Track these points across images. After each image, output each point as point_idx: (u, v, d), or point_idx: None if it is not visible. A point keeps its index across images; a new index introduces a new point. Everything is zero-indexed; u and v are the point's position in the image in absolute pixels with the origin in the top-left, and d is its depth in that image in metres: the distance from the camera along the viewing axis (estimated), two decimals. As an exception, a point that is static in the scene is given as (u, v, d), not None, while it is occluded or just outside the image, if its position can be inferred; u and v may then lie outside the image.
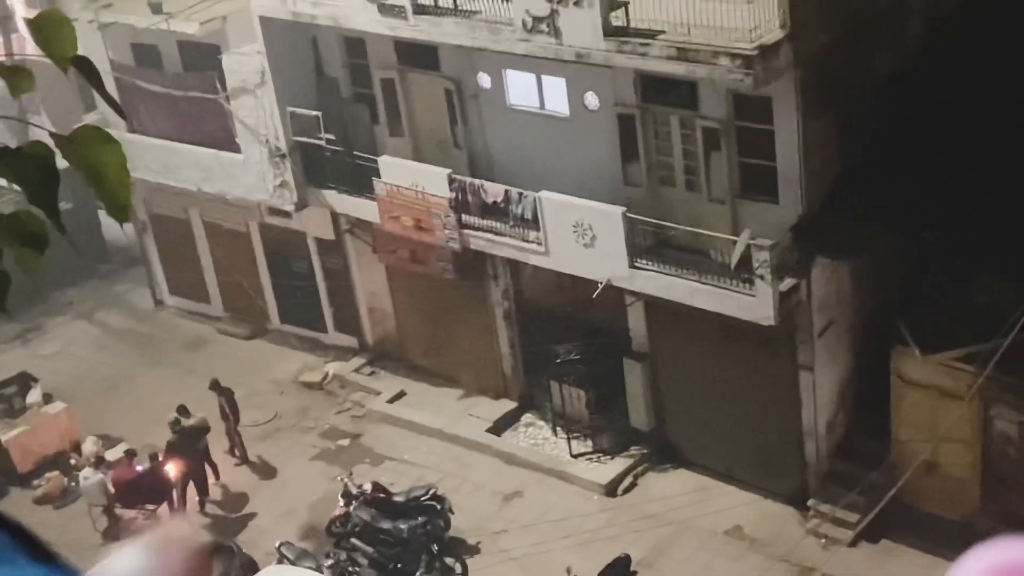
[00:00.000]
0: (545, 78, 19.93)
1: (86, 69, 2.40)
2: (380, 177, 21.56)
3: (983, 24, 18.57)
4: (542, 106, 20.31)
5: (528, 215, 20.02)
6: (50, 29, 2.33)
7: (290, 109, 22.39)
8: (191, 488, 21.72)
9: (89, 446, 22.60)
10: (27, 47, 25.47)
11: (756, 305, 17.83)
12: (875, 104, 18.34)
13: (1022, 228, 17.02)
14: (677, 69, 17.16)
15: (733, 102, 17.94)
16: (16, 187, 2.34)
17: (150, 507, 21.58)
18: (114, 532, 21.43)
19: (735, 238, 17.98)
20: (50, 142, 2.37)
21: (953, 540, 18.14)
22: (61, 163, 2.39)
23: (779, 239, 17.65)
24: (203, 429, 21.97)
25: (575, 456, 21.70)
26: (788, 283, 17.92)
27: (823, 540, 19.17)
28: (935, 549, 18.27)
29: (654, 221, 18.89)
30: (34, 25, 2.34)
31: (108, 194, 2.38)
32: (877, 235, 17.90)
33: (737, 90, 17.43)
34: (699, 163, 18.73)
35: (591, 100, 19.50)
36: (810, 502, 19.62)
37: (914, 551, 18.52)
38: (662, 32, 17.20)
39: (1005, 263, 17.08)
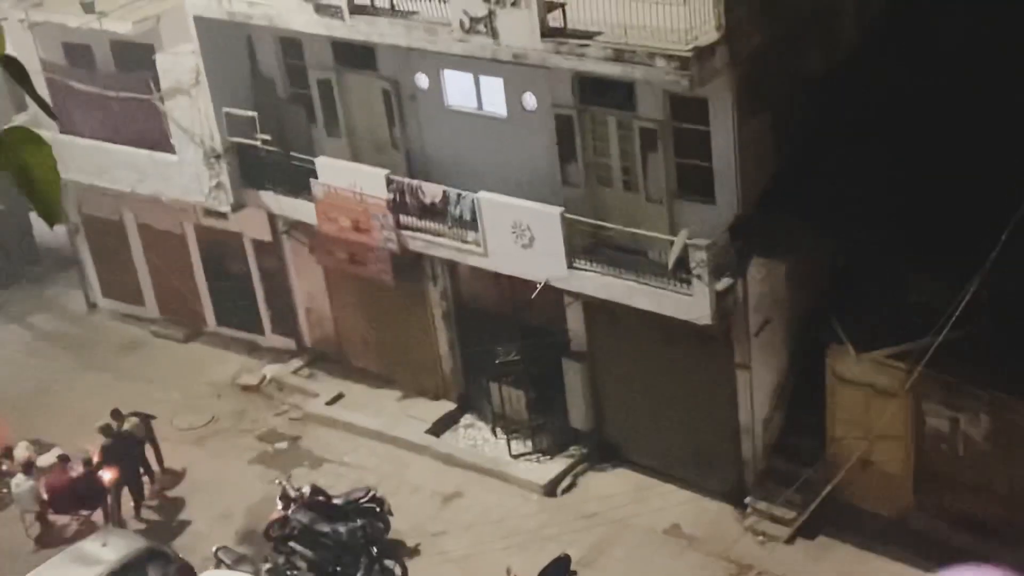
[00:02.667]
0: (483, 78, 19.94)
1: (15, 69, 2.36)
2: (317, 178, 21.44)
3: (911, 25, 18.87)
4: (480, 106, 20.31)
5: (467, 216, 20.01)
6: (-23, 29, 2.29)
7: (226, 110, 22.19)
8: (126, 493, 21.44)
9: (21, 451, 22.22)
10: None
11: (693, 304, 17.97)
12: (809, 105, 18.56)
13: (953, 228, 17.31)
14: (614, 70, 17.24)
15: (670, 103, 18.06)
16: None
17: (84, 512, 21.28)
18: (47, 539, 21.11)
19: (672, 238, 18.10)
20: (-23, 143, 2.32)
21: (888, 536, 18.45)
22: (-11, 164, 2.34)
23: (716, 239, 17.79)
24: (138, 433, 21.70)
25: (515, 456, 21.73)
26: (725, 283, 18.07)
27: (760, 537, 19.36)
28: (870, 545, 18.53)
29: (592, 221, 18.97)
30: (-39, 24, 2.29)
31: (38, 195, 2.34)
32: (812, 235, 18.10)
33: (673, 91, 17.55)
34: (636, 163, 18.84)
35: (529, 100, 19.53)
36: (747, 500, 19.80)
37: (850, 547, 18.77)
38: (599, 33, 17.27)
39: (937, 262, 17.36)
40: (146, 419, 22.19)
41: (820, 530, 19.09)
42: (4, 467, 22.49)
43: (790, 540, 19.14)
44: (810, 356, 18.98)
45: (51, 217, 2.38)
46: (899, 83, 18.33)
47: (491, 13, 17.83)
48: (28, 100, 24.48)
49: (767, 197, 18.25)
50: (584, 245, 19.15)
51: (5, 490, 22.02)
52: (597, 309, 20.01)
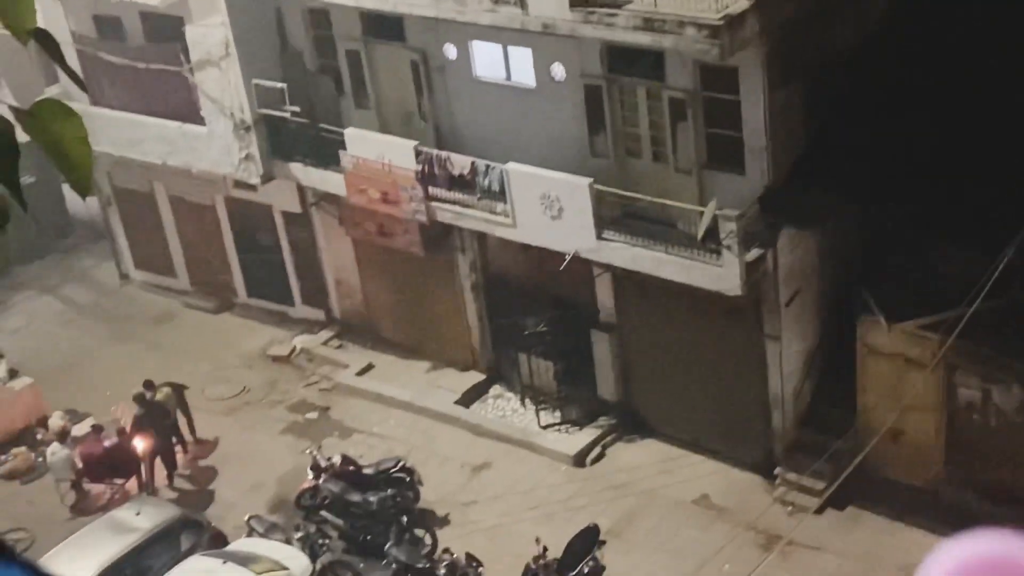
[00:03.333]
0: (511, 49, 19.87)
1: (46, 42, 2.37)
2: (346, 150, 21.46)
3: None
4: (508, 77, 20.25)
5: (495, 187, 20.00)
6: (9, 1, 2.31)
7: (255, 81, 22.22)
8: (159, 462, 21.65)
9: (56, 421, 22.49)
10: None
11: (723, 275, 17.91)
12: (840, 75, 18.40)
13: (985, 198, 17.17)
14: (643, 39, 17.15)
15: (699, 73, 17.95)
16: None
17: (118, 481, 21.52)
18: (82, 507, 21.36)
19: (702, 209, 18.03)
20: (10, 116, 2.34)
21: (918, 506, 18.41)
22: (23, 137, 2.36)
23: (745, 210, 17.71)
24: (170, 403, 21.90)
25: (543, 427, 21.78)
26: (754, 253, 18.00)
27: (790, 508, 19.36)
28: (900, 515, 18.50)
29: (621, 192, 18.91)
30: (-8, -3, 2.31)
31: (69, 168, 2.36)
32: (843, 205, 18.00)
33: (703, 60, 17.44)
34: (666, 134, 18.75)
35: (557, 71, 19.46)
36: (777, 470, 19.79)
37: (880, 517, 18.75)
38: (628, 2, 17.17)
39: (969, 233, 17.23)
40: (178, 389, 22.37)
41: (850, 501, 19.07)
42: (39, 436, 22.77)
43: (819, 511, 19.12)
44: (841, 327, 18.91)
45: (83, 189, 2.40)
46: (931, 54, 18.14)
47: (520, -17, 17.74)
48: (59, 72, 24.64)
49: (798, 168, 18.14)
50: (613, 216, 19.11)
51: (41, 459, 22.29)
52: (626, 280, 19.99)
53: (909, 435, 18.57)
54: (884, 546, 18.22)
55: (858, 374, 18.74)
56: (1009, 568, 1.06)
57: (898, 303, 18.11)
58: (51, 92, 25.76)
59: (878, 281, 18.63)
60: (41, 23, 2.39)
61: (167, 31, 23.38)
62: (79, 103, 22.66)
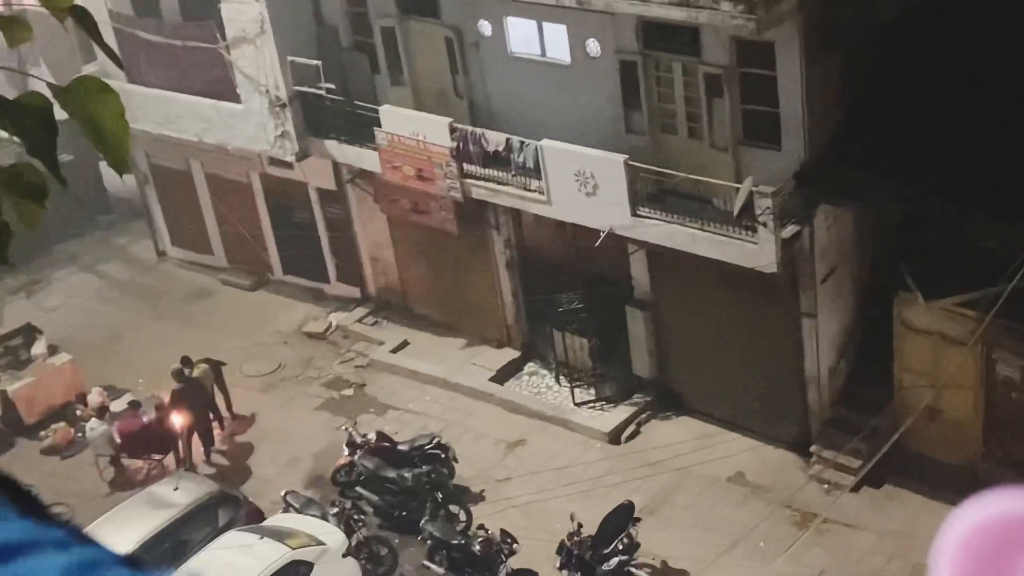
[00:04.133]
0: (546, 25, 19.79)
1: (84, 20, 2.38)
2: (381, 127, 21.47)
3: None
4: (543, 53, 20.18)
5: (530, 164, 19.96)
6: (46, -21, 2.31)
7: (290, 58, 22.26)
8: (196, 438, 21.83)
9: (94, 397, 22.71)
10: (24, -3, 25.27)
11: (758, 252, 17.82)
12: (878, 49, 18.22)
13: (1025, 173, 16.97)
14: (679, 15, 17.03)
15: (735, 48, 17.82)
16: (16, 139, 2.33)
17: (156, 457, 21.72)
18: (121, 482, 21.59)
19: (737, 185, 17.93)
20: (48, 93, 2.35)
21: (955, 485, 18.28)
22: (61, 115, 2.37)
23: (782, 186, 17.60)
24: (207, 379, 22.05)
25: (578, 404, 21.79)
26: (790, 230, 17.89)
27: (826, 486, 19.29)
28: (937, 494, 18.39)
29: (656, 169, 18.83)
30: (30, -25, 2.32)
31: (107, 145, 2.37)
32: (880, 181, 17.84)
33: (739, 35, 17.31)
34: (701, 110, 18.64)
35: (592, 47, 19.37)
36: (812, 448, 19.73)
37: (916, 496, 18.65)
38: (664, -22, 17.04)
39: (1008, 208, 17.04)
40: (216, 366, 22.52)
41: (886, 479, 18.99)
42: (79, 412, 23.00)
43: (855, 489, 19.06)
44: (878, 304, 18.78)
45: (120, 166, 2.41)
46: (971, 26, 17.91)
47: (554, -42, 17.66)
48: (96, 51, 24.75)
49: (834, 143, 17.99)
50: (648, 193, 19.04)
51: (80, 435, 22.53)
52: (661, 257, 19.93)
53: (947, 413, 18.44)
54: (920, 524, 18.13)
55: (895, 352, 18.62)
56: None
57: (936, 279, 17.96)
58: (88, 70, 25.91)
59: (916, 257, 18.47)
60: (79, 1, 2.39)
61: (203, 9, 23.43)
62: (116, 81, 22.77)
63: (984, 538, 0.91)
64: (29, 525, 1.10)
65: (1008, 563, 1.07)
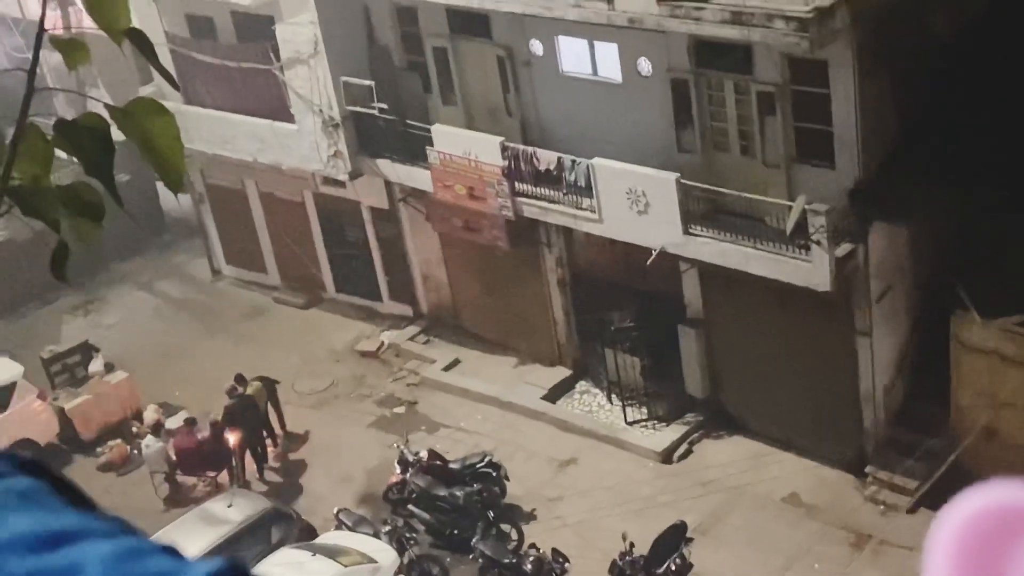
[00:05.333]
0: (598, 44, 19.81)
1: (140, 41, 2.42)
2: (433, 146, 21.58)
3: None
4: (595, 72, 20.20)
5: (581, 182, 19.97)
6: (104, 2, 2.35)
7: (343, 79, 22.44)
8: (249, 455, 21.99)
9: (150, 414, 22.95)
10: (84, 20, 25.70)
11: (812, 271, 17.69)
12: (932, 65, 18.06)
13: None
14: (731, 33, 16.98)
15: (788, 65, 17.74)
16: (73, 159, 2.37)
17: (211, 474, 21.90)
18: (176, 499, 21.77)
19: (790, 203, 17.82)
20: (105, 114, 2.39)
21: (1013, 507, 17.96)
22: (117, 135, 2.41)
23: (835, 204, 17.47)
24: (260, 397, 22.21)
25: (630, 423, 21.71)
26: (844, 248, 17.75)
27: (881, 507, 19.06)
28: (995, 516, 18.08)
29: (708, 187, 18.77)
30: (88, -2, 2.36)
31: (162, 165, 2.40)
32: (935, 198, 17.66)
33: (792, 53, 17.23)
34: (754, 128, 18.56)
35: (644, 66, 19.36)
36: (868, 469, 19.50)
37: (974, 518, 18.34)
38: (716, -5, 17.01)
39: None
40: (270, 384, 22.69)
41: (943, 500, 18.44)
42: (135, 429, 23.25)
43: (912, 510, 18.81)
44: (934, 322, 18.56)
45: (175, 186, 2.44)
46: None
47: (606, -23, 17.69)
48: (153, 72, 25.11)
49: (889, 160, 17.84)
50: (700, 211, 18.97)
51: (136, 452, 22.77)
52: (713, 275, 19.83)
53: (1005, 433, 18.16)
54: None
55: (952, 371, 18.38)
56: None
57: (993, 298, 17.72)
58: (145, 91, 26.25)
59: (972, 275, 18.24)
60: (136, 24, 2.43)
61: (257, 30, 23.71)
62: (172, 102, 23.09)
63: (979, 529, 0.90)
64: (77, 515, 1.16)
65: (1004, 554, 1.06)
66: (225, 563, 1.15)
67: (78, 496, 1.22)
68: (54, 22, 27.54)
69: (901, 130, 18.01)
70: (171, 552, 1.19)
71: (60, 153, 2.39)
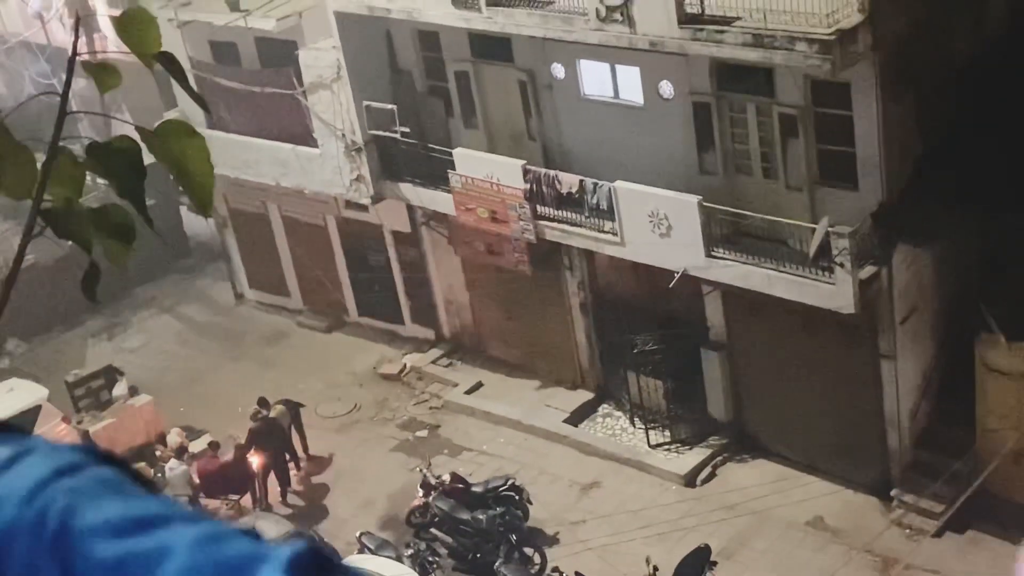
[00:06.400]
0: (619, 67, 19.85)
1: (171, 65, 2.44)
2: (455, 169, 21.64)
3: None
4: (616, 95, 20.24)
5: (603, 205, 19.97)
6: (136, 27, 2.38)
7: (366, 103, 22.55)
8: (272, 478, 22.01)
9: (174, 437, 23.00)
10: (108, 46, 25.92)
11: (835, 293, 17.63)
12: (956, 87, 18.01)
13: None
14: (753, 56, 17.00)
15: (810, 88, 17.73)
16: (104, 181, 2.39)
17: (234, 497, 21.92)
18: (199, 522, 21.74)
19: (814, 226, 17.77)
20: (136, 137, 2.42)
21: (1041, 531, 17.83)
22: (146, 158, 2.43)
23: (859, 226, 17.41)
24: (283, 420, 22.24)
25: (653, 446, 21.63)
26: (868, 271, 17.68)
27: (907, 531, 18.92)
28: (1022, 539, 17.94)
29: (731, 210, 18.74)
30: (120, 23, 2.38)
31: (192, 187, 2.42)
32: (959, 220, 17.59)
33: (815, 76, 17.22)
34: (776, 150, 18.54)
35: (666, 88, 19.38)
36: (893, 492, 19.37)
37: (1001, 541, 18.20)
38: (738, 18, 17.04)
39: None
40: (294, 407, 22.72)
41: (970, 524, 18.57)
42: (158, 453, 23.30)
43: (938, 534, 18.65)
44: (959, 345, 18.45)
45: (205, 209, 2.46)
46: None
47: (627, 1, 17.75)
48: (179, 96, 25.28)
49: (912, 182, 17.79)
50: (722, 234, 18.94)
51: (159, 475, 22.81)
52: (736, 298, 19.78)
53: (1032, 457, 18.01)
54: (1005, 571, 17.67)
55: (977, 394, 18.26)
56: None
57: (1019, 320, 17.61)
58: (170, 116, 26.43)
59: (997, 297, 18.14)
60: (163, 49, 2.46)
61: (280, 55, 23.87)
62: (197, 126, 23.25)
63: None
64: (159, 502, 1.22)
65: None
66: (306, 546, 1.19)
67: (152, 487, 1.29)
68: (80, 47, 27.65)
69: (924, 151, 17.96)
70: (252, 535, 1.25)
71: (90, 175, 2.41)
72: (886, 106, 17.15)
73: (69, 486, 1.22)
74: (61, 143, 2.38)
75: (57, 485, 1.23)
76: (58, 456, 1.27)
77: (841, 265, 17.37)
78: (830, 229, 17.41)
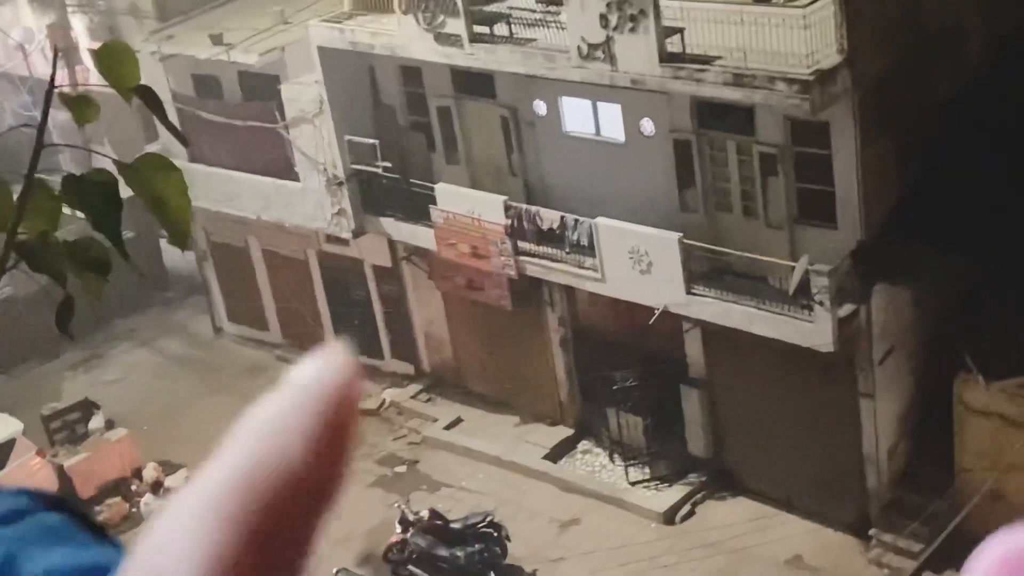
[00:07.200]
0: (601, 104, 19.96)
1: (149, 98, 2.43)
2: (437, 204, 21.66)
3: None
4: (598, 132, 20.33)
5: (584, 241, 20.02)
6: (114, 59, 2.37)
7: (348, 138, 22.59)
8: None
9: (150, 472, 22.84)
10: (90, 78, 25.93)
11: (815, 331, 17.67)
12: (934, 127, 18.16)
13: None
14: (733, 95, 17.12)
15: (790, 127, 17.85)
16: (80, 214, 2.38)
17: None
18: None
19: (793, 264, 17.85)
20: (113, 170, 2.40)
21: (1019, 571, 17.80)
22: (124, 191, 2.43)
23: (838, 264, 17.49)
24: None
25: (632, 483, 21.58)
26: (847, 309, 17.74)
27: (885, 570, 18.89)
28: (1001, 580, 17.93)
29: (711, 247, 18.81)
30: (98, 56, 2.38)
31: (170, 221, 2.41)
32: (938, 260, 17.69)
33: (794, 115, 17.34)
34: (756, 188, 18.64)
35: (647, 126, 19.49)
36: (872, 531, 19.35)
37: (979, 582, 18.18)
38: (718, 58, 17.17)
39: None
40: None
41: (948, 564, 18.54)
42: (134, 487, 23.12)
43: (916, 573, 18.63)
44: (938, 384, 18.50)
45: (182, 242, 2.45)
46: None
47: (609, 39, 17.86)
48: (160, 129, 25.28)
49: (891, 221, 17.89)
50: (703, 271, 18.99)
51: (135, 510, 22.62)
52: (716, 335, 19.81)
53: (1010, 496, 18.03)
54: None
55: (955, 433, 18.30)
56: None
57: (996, 360, 17.68)
58: (151, 149, 26.44)
59: (975, 337, 18.22)
60: (144, 81, 2.45)
61: (263, 89, 23.91)
62: (178, 160, 23.21)
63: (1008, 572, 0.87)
64: (105, 550, 1.16)
65: None
66: None
67: (102, 533, 1.24)
68: (60, 80, 27.62)
69: (903, 191, 18.08)
70: None
71: (66, 208, 2.40)
72: (865, 146, 17.27)
73: (11, 535, 1.19)
74: (39, 175, 2.37)
75: None
76: (0, 503, 1.22)
77: (820, 303, 17.42)
78: (810, 267, 17.48)
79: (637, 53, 17.65)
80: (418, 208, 22.14)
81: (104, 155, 3.09)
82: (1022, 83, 18.08)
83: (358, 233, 23.55)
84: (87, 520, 1.24)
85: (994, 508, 18.09)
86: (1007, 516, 17.42)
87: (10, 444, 22.73)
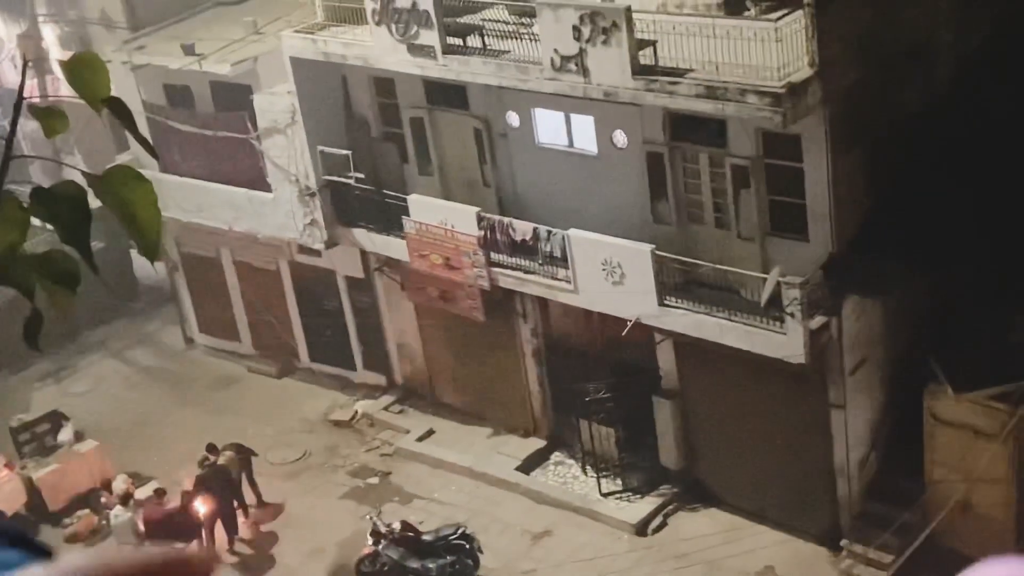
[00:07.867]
0: (574, 116, 20.00)
1: (119, 109, 2.42)
2: (409, 215, 21.64)
3: (1012, 59, 18.52)
4: (571, 144, 20.37)
5: (557, 253, 20.04)
6: (84, 70, 2.36)
7: (320, 148, 22.54)
8: (220, 526, 21.70)
9: (120, 484, 22.65)
10: (61, 88, 25.78)
11: (786, 343, 17.74)
12: (905, 140, 18.29)
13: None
14: (706, 107, 17.19)
15: (762, 140, 17.93)
16: (49, 226, 2.36)
17: (180, 545, 21.57)
18: (143, 570, 21.38)
19: (765, 276, 17.91)
20: (83, 182, 2.39)
21: (989, 581, 17.88)
22: (94, 203, 2.41)
23: (809, 277, 17.57)
24: (232, 467, 21.98)
25: (604, 495, 21.58)
26: (818, 321, 17.82)
27: (856, 581, 18.94)
28: (970, 590, 18.01)
29: (683, 259, 18.86)
30: (68, 67, 2.36)
31: (139, 232, 2.39)
32: (909, 272, 17.80)
33: (766, 128, 17.43)
34: (728, 201, 18.71)
35: (620, 138, 19.54)
36: (843, 542, 19.42)
37: (949, 592, 18.27)
38: (691, 70, 17.24)
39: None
40: (246, 453, 22.46)
41: (918, 574, 18.63)
42: (103, 499, 22.93)
43: (887, 584, 18.70)
44: (908, 396, 18.61)
45: (152, 254, 2.43)
46: (998, 117, 17.99)
47: (582, 51, 17.91)
48: (131, 140, 25.16)
49: (862, 234, 17.99)
50: (675, 282, 19.04)
51: (104, 522, 22.43)
52: (688, 347, 19.85)
53: (979, 508, 18.15)
54: (955, 622, 17.74)
55: (925, 445, 18.40)
56: None
57: (966, 372, 17.80)
58: (122, 159, 26.32)
59: (946, 349, 18.34)
60: (114, 92, 2.44)
61: (235, 99, 23.83)
62: (149, 170, 23.11)
63: None
64: (15, 555, 1.15)
65: None
66: None
67: (14, 534, 1.22)
68: (31, 90, 27.58)
69: (874, 203, 18.19)
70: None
71: (35, 220, 2.38)
72: (836, 158, 17.37)
73: None
74: (7, 187, 2.35)
75: None
76: None
77: (792, 315, 17.50)
78: (781, 279, 17.55)
79: (610, 65, 17.71)
80: (391, 219, 22.11)
81: (73, 167, 3.07)
82: (990, 99, 18.24)
83: (330, 244, 23.49)
84: (47, 555, 1.21)
85: (964, 519, 18.20)
86: (976, 527, 17.66)
87: (-23, 456, 22.52)
